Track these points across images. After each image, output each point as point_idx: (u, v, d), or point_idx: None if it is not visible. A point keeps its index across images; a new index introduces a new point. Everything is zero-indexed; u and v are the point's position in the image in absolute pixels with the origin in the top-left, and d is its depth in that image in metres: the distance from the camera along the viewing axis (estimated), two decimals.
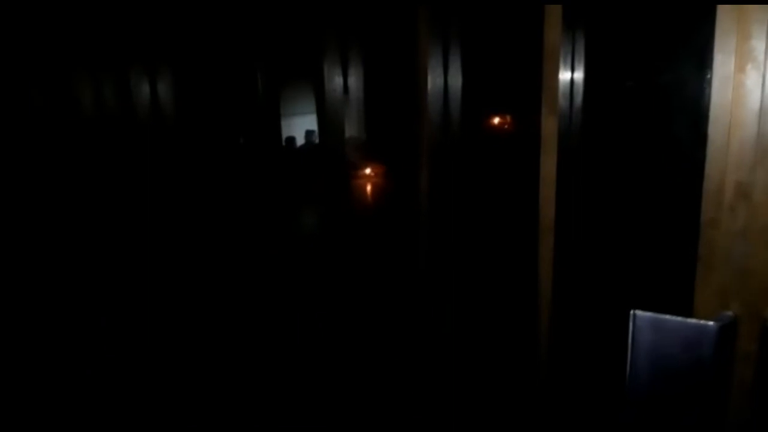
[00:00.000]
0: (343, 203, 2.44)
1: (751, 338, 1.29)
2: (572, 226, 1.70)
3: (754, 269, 1.29)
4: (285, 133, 2.94)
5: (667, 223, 1.52)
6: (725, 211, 1.31)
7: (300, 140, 3.25)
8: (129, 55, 2.40)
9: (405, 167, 2.19)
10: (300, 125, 3.08)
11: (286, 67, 2.62)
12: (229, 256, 2.58)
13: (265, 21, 2.40)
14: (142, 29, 2.36)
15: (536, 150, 1.71)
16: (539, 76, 1.70)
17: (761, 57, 1.22)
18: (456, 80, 2.05)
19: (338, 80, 2.32)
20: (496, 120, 2.20)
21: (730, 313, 1.31)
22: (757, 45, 1.22)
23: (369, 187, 2.73)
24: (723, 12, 1.26)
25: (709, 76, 1.30)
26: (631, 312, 1.34)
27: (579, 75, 1.67)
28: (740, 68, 1.24)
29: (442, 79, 2.05)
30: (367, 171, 2.73)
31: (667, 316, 1.31)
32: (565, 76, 1.66)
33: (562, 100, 1.66)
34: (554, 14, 1.65)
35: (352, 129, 2.64)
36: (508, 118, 2.17)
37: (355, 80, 2.39)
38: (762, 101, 1.23)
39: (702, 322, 1.28)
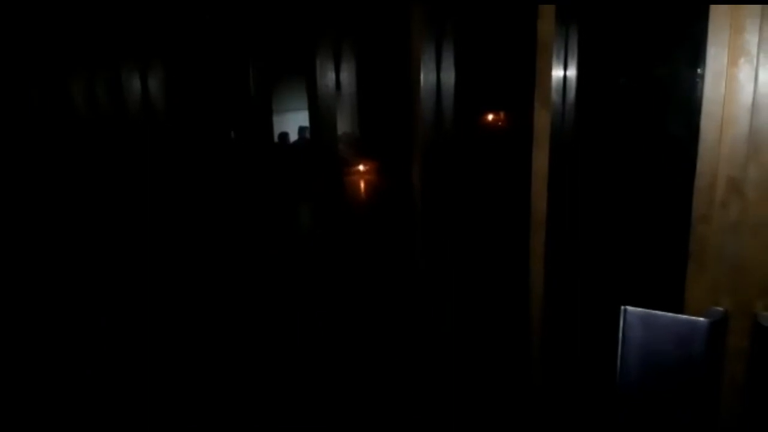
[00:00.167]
0: (336, 200, 2.43)
1: (743, 334, 1.29)
2: (564, 221, 1.69)
3: (746, 265, 1.28)
4: (278, 129, 2.92)
5: (658, 218, 1.52)
6: (717, 206, 1.30)
7: (293, 136, 3.24)
8: (121, 51, 2.39)
9: (398, 163, 2.18)
10: (293, 121, 3.07)
11: (279, 63, 2.60)
12: (224, 254, 2.57)
13: (258, 17, 2.38)
14: (134, 25, 2.35)
15: (529, 145, 1.71)
16: (532, 71, 1.69)
17: (754, 50, 1.21)
18: (449, 76, 2.04)
19: (331, 76, 2.31)
20: (489, 116, 2.20)
21: (721, 309, 1.30)
22: (750, 38, 1.21)
23: (362, 184, 2.72)
24: (716, 5, 1.25)
25: (701, 70, 1.30)
26: (622, 308, 1.33)
27: (572, 70, 1.66)
28: (733, 62, 1.24)
29: (435, 74, 2.04)
30: (360, 167, 2.72)
31: (658, 312, 1.30)
32: (558, 71, 1.66)
33: (555, 96, 1.65)
34: (547, 9, 1.64)
35: (344, 125, 2.63)
36: (501, 113, 2.16)
37: (347, 76, 2.38)
38: (755, 96, 1.22)
39: (693, 318, 1.27)
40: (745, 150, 1.25)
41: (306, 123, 2.64)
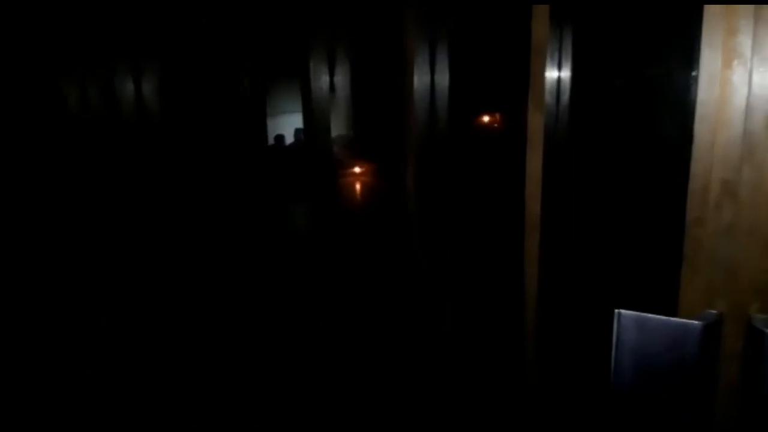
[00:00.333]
0: (330, 201, 2.43)
1: (737, 337, 1.28)
2: (558, 223, 1.69)
3: (740, 268, 1.28)
4: (274, 132, 2.92)
5: (652, 221, 1.51)
6: (711, 209, 1.30)
7: (289, 139, 3.23)
8: (115, 54, 2.38)
9: (393, 165, 2.18)
10: (289, 124, 3.06)
11: (274, 66, 2.60)
12: (220, 256, 2.56)
13: (253, 20, 2.38)
14: (128, 28, 2.34)
15: (523, 147, 1.70)
16: (526, 73, 1.69)
17: (748, 53, 1.20)
18: (443, 78, 2.04)
19: (325, 78, 2.31)
20: (483, 117, 2.19)
21: (715, 311, 1.30)
22: (744, 40, 1.21)
23: (357, 186, 2.71)
24: (710, 6, 1.25)
25: (695, 72, 1.29)
26: (616, 311, 1.32)
27: (566, 72, 1.66)
28: (727, 64, 1.23)
29: (429, 77, 2.04)
30: (356, 169, 2.72)
31: (652, 315, 1.29)
32: (552, 73, 1.65)
33: (549, 97, 1.64)
34: (542, 11, 1.63)
35: (340, 127, 2.62)
36: (495, 115, 2.16)
37: (342, 78, 2.37)
38: (748, 98, 1.22)
39: (687, 321, 1.27)
40: (739, 152, 1.25)
41: (300, 125, 2.64)
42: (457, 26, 2.02)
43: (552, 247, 1.69)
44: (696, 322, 1.26)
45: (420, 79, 2.04)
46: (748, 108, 1.22)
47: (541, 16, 1.64)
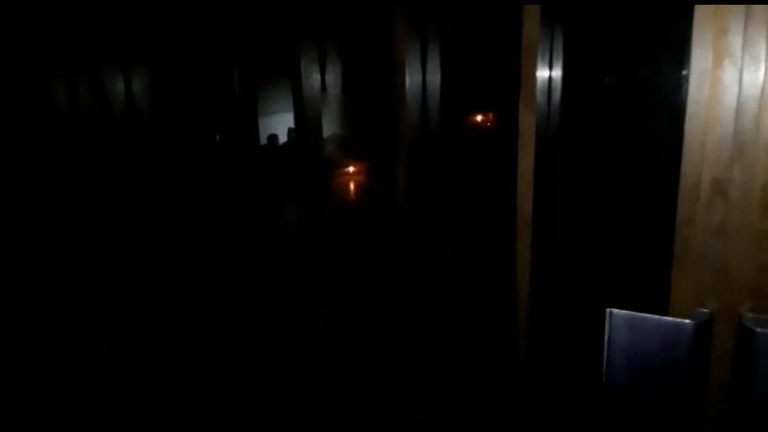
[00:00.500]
0: (323, 201, 2.43)
1: (728, 336, 1.28)
2: (550, 223, 1.69)
3: (731, 267, 1.28)
4: (267, 131, 2.91)
5: (643, 220, 1.51)
6: (701, 208, 1.30)
7: (282, 138, 3.22)
8: (106, 53, 2.37)
9: (385, 164, 2.18)
10: (282, 123, 3.05)
11: (265, 65, 2.59)
12: (215, 257, 2.56)
13: (243, 19, 2.37)
14: (119, 27, 2.33)
15: (515, 146, 1.70)
16: (518, 72, 1.69)
17: (738, 52, 1.21)
18: (434, 77, 2.03)
19: (316, 77, 2.30)
20: (475, 117, 2.19)
21: (706, 311, 1.30)
22: (735, 40, 1.21)
23: (350, 185, 2.71)
24: (700, 6, 1.25)
25: (686, 72, 1.29)
26: (608, 310, 1.33)
27: (557, 71, 1.66)
28: (717, 64, 1.23)
29: (421, 76, 2.04)
30: (348, 168, 2.72)
31: (644, 315, 1.30)
32: (543, 72, 1.65)
33: (540, 97, 1.64)
34: (532, 11, 1.63)
35: (331, 127, 2.62)
36: (487, 114, 2.16)
37: (333, 78, 2.37)
38: (739, 97, 1.22)
39: (678, 320, 1.27)
40: (730, 151, 1.25)
41: (292, 124, 2.63)
42: (449, 25, 2.01)
43: (544, 246, 1.69)
44: (687, 321, 1.26)
45: (411, 79, 2.04)
46: (739, 107, 1.23)
47: (531, 16, 1.63)
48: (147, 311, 2.50)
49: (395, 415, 2.31)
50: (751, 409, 1.24)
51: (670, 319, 1.28)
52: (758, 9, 1.17)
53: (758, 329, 1.19)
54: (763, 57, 1.19)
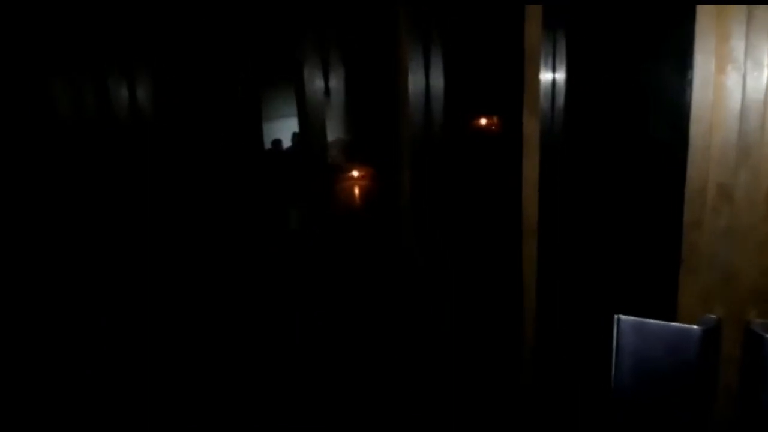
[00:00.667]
0: (328, 205, 2.43)
1: (735, 341, 1.28)
2: (555, 227, 1.69)
3: (738, 271, 1.28)
4: (271, 136, 2.92)
5: (650, 225, 1.51)
6: (708, 213, 1.30)
7: (284, 143, 3.23)
8: (110, 57, 2.38)
9: (388, 169, 2.18)
10: (286, 128, 3.06)
11: (269, 70, 2.59)
12: (219, 261, 2.57)
13: (247, 23, 2.38)
14: (123, 33, 2.34)
15: (519, 151, 1.70)
16: (521, 77, 1.68)
17: (741, 57, 1.20)
18: (437, 81, 2.03)
19: (319, 83, 2.31)
20: (479, 121, 2.19)
21: (714, 316, 1.30)
22: (737, 45, 1.20)
23: (354, 189, 2.71)
24: (702, 12, 1.24)
25: (690, 76, 1.29)
26: (615, 316, 1.33)
27: (560, 76, 1.65)
28: (720, 69, 1.23)
29: (424, 80, 2.04)
30: (352, 173, 2.72)
31: (651, 321, 1.30)
32: (546, 77, 1.65)
33: (544, 101, 1.64)
34: (535, 15, 1.63)
35: (336, 131, 2.62)
36: (491, 119, 2.15)
37: (337, 83, 2.37)
38: (743, 102, 1.22)
39: (686, 326, 1.27)
40: (735, 156, 1.25)
41: (296, 129, 2.64)
42: (452, 29, 2.01)
43: (550, 251, 1.69)
44: (695, 327, 1.26)
45: (415, 83, 2.04)
46: (743, 112, 1.22)
47: (534, 20, 1.63)
48: (154, 312, 2.52)
49: (397, 416, 2.32)
50: (758, 415, 1.24)
51: (677, 324, 1.28)
52: (760, 14, 1.17)
53: (766, 335, 1.19)
54: (765, 62, 1.18)
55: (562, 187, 1.67)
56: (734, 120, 1.24)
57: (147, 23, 2.35)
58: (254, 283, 2.56)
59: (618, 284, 1.58)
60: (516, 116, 1.70)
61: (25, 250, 2.41)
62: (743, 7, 1.18)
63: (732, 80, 1.22)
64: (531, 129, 1.66)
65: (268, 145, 2.88)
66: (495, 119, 2.11)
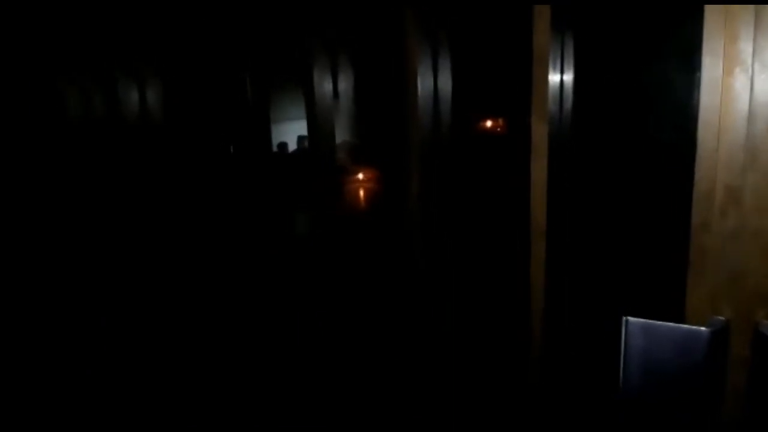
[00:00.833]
0: (335, 208, 2.44)
1: (744, 343, 1.28)
2: (564, 230, 1.69)
3: (746, 273, 1.28)
4: (277, 139, 2.92)
5: (658, 227, 1.51)
6: (716, 215, 1.30)
7: (292, 145, 3.24)
8: (119, 62, 2.40)
9: (397, 172, 2.18)
10: (291, 131, 3.06)
11: (277, 73, 2.61)
12: (227, 262, 2.58)
13: (256, 27, 2.39)
14: (132, 36, 2.36)
15: (528, 154, 1.70)
16: (529, 79, 1.69)
17: (749, 60, 1.21)
18: (446, 84, 2.04)
19: (328, 85, 2.32)
20: (487, 124, 2.19)
21: (722, 318, 1.30)
22: (745, 47, 1.21)
23: (361, 192, 2.72)
24: (710, 14, 1.25)
25: (698, 78, 1.29)
26: (624, 318, 1.33)
27: (568, 79, 1.66)
28: (728, 71, 1.24)
29: (432, 82, 2.04)
30: (360, 176, 2.72)
31: (659, 322, 1.30)
32: (554, 80, 1.65)
33: (552, 105, 1.64)
34: (543, 18, 1.64)
35: (343, 134, 2.63)
36: (499, 121, 2.15)
37: (345, 85, 2.38)
38: (750, 104, 1.22)
39: (694, 327, 1.27)
40: (743, 158, 1.25)
41: (304, 132, 2.64)
42: (460, 31, 2.02)
43: (558, 253, 1.70)
44: (703, 328, 1.26)
45: (423, 85, 2.04)
46: (751, 114, 1.23)
47: (542, 23, 1.64)
48: (160, 313, 2.53)
49: (407, 414, 2.32)
50: (767, 416, 1.24)
51: (685, 326, 1.28)
52: None
53: None
54: None
55: (570, 188, 1.67)
56: (742, 122, 1.24)
57: (156, 27, 2.37)
58: (263, 284, 2.56)
59: (626, 286, 1.59)
60: (524, 118, 1.70)
61: (37, 249, 2.43)
62: (751, 10, 1.19)
63: (740, 82, 1.23)
64: (539, 131, 1.66)
65: (274, 147, 2.89)
66: (503, 121, 2.11)
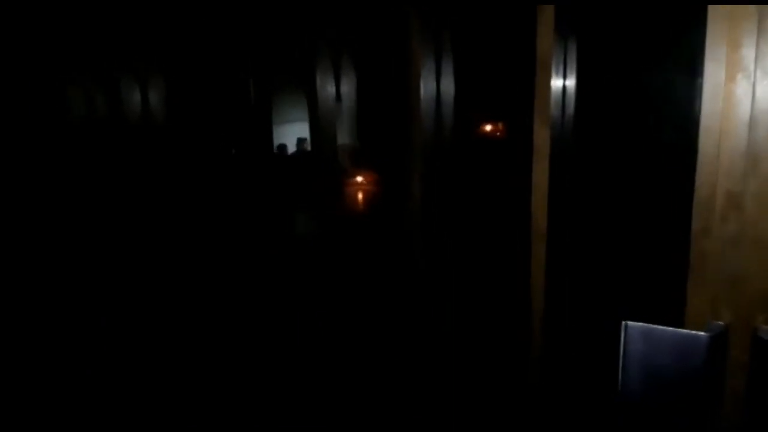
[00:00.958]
0: (336, 210, 2.44)
1: (743, 348, 1.29)
2: (565, 233, 1.70)
3: (746, 279, 1.29)
4: (277, 141, 2.93)
5: (659, 231, 1.52)
6: (716, 220, 1.31)
7: (291, 148, 3.25)
8: (122, 63, 2.40)
9: (398, 175, 2.19)
10: (292, 133, 3.07)
11: (278, 75, 2.61)
12: (228, 263, 2.58)
13: (257, 29, 2.39)
14: (135, 37, 2.36)
15: (529, 158, 1.71)
16: (532, 83, 1.70)
17: (751, 66, 1.21)
18: (449, 87, 2.04)
19: (330, 88, 2.32)
20: (489, 127, 2.20)
21: (721, 323, 1.30)
22: (747, 53, 1.22)
23: (361, 195, 2.72)
24: (714, 20, 1.26)
25: (700, 84, 1.30)
26: (623, 323, 1.33)
27: (571, 83, 1.66)
28: (731, 77, 1.24)
29: (435, 85, 2.05)
30: (360, 178, 2.73)
31: (659, 327, 1.30)
32: (557, 84, 1.66)
33: (554, 109, 1.65)
34: (546, 22, 1.64)
35: (344, 136, 2.63)
36: (501, 125, 2.16)
37: (347, 88, 2.38)
38: (752, 110, 1.23)
39: (693, 332, 1.28)
40: (744, 164, 1.26)
41: (305, 134, 2.65)
42: (464, 34, 2.02)
43: (558, 256, 1.70)
44: (702, 333, 1.26)
45: (426, 88, 2.05)
46: (752, 120, 1.23)
47: (545, 27, 1.64)
48: (160, 314, 2.53)
49: (407, 415, 2.32)
50: (766, 421, 1.25)
51: (685, 331, 1.29)
52: None
53: None
54: None
55: (571, 192, 1.68)
56: (743, 128, 1.25)
57: (158, 28, 2.37)
58: (264, 285, 2.56)
59: (626, 290, 1.59)
60: (526, 122, 1.71)
61: (38, 249, 2.43)
62: (754, 16, 1.19)
63: (742, 88, 1.23)
64: (541, 134, 1.67)
65: (274, 149, 2.90)
66: (505, 125, 2.11)
